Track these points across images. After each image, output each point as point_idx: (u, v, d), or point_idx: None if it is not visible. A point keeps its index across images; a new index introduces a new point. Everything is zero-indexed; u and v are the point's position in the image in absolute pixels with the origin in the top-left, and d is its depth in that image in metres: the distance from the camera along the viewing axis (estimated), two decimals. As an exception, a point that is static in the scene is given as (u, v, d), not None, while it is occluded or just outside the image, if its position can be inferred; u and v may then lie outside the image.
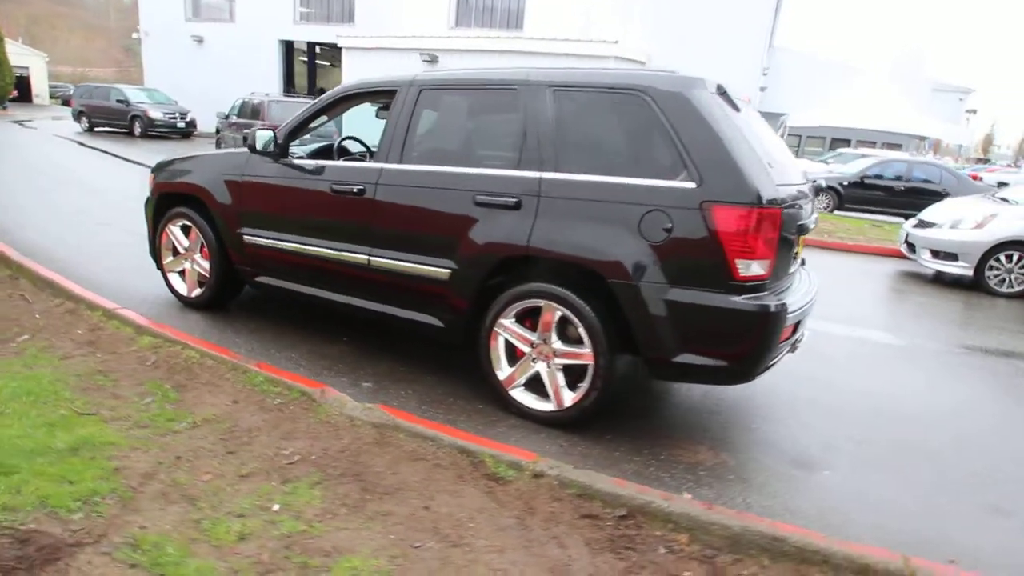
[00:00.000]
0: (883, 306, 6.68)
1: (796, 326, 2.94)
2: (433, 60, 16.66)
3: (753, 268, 2.64)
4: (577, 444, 2.96)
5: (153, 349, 3.47)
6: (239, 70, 21.80)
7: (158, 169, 4.58)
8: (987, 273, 6.88)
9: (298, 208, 3.78)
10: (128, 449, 2.45)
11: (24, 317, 3.92)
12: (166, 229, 4.44)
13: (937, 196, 11.80)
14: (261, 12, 21.93)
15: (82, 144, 15.79)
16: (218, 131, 15.07)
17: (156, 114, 18.36)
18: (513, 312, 3.09)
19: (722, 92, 2.90)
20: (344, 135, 4.39)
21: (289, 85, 23.61)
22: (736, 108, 2.93)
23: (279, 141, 3.80)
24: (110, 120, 19.10)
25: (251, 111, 13.13)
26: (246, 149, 4.10)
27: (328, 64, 28.62)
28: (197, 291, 4.41)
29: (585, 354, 2.94)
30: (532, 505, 2.34)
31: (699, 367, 2.76)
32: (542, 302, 2.99)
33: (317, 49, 25.19)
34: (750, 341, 2.70)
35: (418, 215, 3.31)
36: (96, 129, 19.62)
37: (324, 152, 4.23)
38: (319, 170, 3.71)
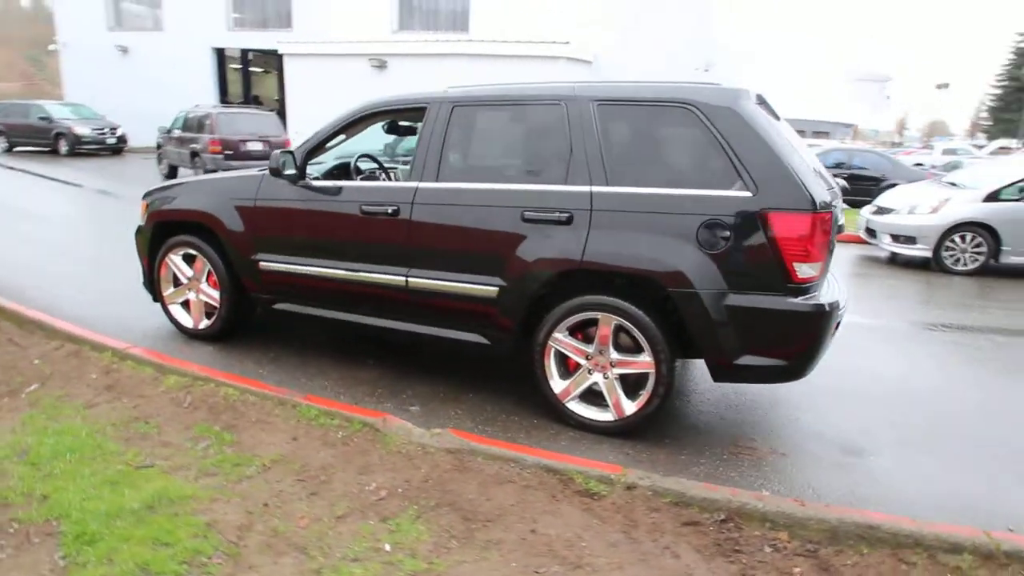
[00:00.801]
0: (854, 290, 7.09)
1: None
2: (382, 66, 16.41)
3: (809, 270, 2.76)
4: (642, 452, 3.02)
5: (184, 389, 3.28)
6: (170, 81, 20.72)
7: (152, 196, 4.33)
8: (943, 253, 7.41)
9: (322, 231, 3.66)
10: (208, 501, 2.32)
11: (22, 364, 3.63)
12: (166, 259, 4.21)
13: (875, 182, 12.60)
14: (191, 20, 20.91)
15: (9, 167, 14.64)
16: (159, 146, 14.29)
17: (83, 130, 17.22)
18: (567, 325, 3.11)
19: (762, 101, 3.01)
20: (359, 153, 4.26)
21: (223, 94, 22.66)
22: (776, 116, 3.06)
23: (297, 163, 3.67)
24: (31, 139, 17.77)
25: (196, 124, 12.51)
26: (256, 172, 3.94)
27: (262, 71, 27.64)
28: (205, 322, 4.20)
29: (645, 362, 2.99)
30: (632, 518, 2.38)
31: (759, 368, 2.87)
32: (599, 314, 3.02)
33: (250, 56, 24.28)
34: (807, 339, 2.82)
35: (461, 234, 3.28)
36: (16, 149, 18.22)
37: (339, 172, 4.11)
38: (345, 191, 3.61)
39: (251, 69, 25.72)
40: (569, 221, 3.02)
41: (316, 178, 3.82)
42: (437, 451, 2.76)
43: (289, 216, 3.74)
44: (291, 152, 3.63)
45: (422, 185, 3.36)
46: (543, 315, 3.17)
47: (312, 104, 17.04)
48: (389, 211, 3.39)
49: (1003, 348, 4.94)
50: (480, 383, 3.76)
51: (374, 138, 4.58)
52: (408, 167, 3.49)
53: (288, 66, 17.53)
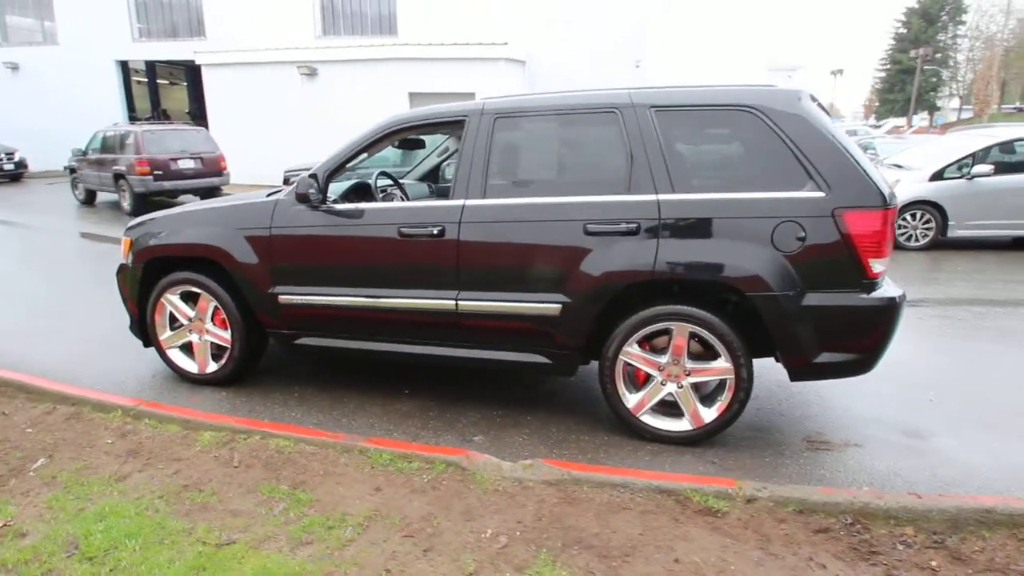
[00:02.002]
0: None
1: None
2: (312, 73, 15.72)
3: (880, 265, 2.82)
4: (727, 459, 2.99)
5: (224, 445, 2.95)
6: (71, 98, 19.03)
7: (136, 231, 3.89)
8: (896, 232, 7.92)
9: (353, 258, 3.40)
10: None
11: (13, 435, 3.14)
12: (161, 300, 3.79)
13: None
14: (90, 32, 19.23)
15: None
16: (72, 170, 13.03)
17: (-26, 157, 15.48)
18: (637, 338, 3.03)
19: (814, 99, 3.04)
20: (378, 172, 3.99)
21: (131, 110, 21.04)
22: (828, 113, 3.10)
23: (320, 185, 3.38)
24: (-89, 169, 15.80)
25: (118, 144, 11.48)
26: (266, 199, 3.62)
27: (167, 83, 25.91)
28: (213, 366, 3.82)
29: (721, 368, 2.96)
30: (763, 532, 2.33)
31: (836, 364, 2.90)
32: (673, 324, 2.96)
33: (156, 68, 22.69)
34: (880, 333, 2.88)
35: (516, 252, 3.13)
36: None
37: (358, 193, 3.84)
38: (377, 213, 3.36)
39: (159, 82, 24.08)
40: (637, 231, 2.93)
41: (335, 201, 3.54)
42: (536, 484, 2.60)
43: (313, 244, 3.44)
44: (316, 175, 3.34)
45: (469, 203, 3.17)
46: (608, 330, 3.07)
47: (236, 116, 16.12)
48: (434, 232, 3.19)
49: (985, 318, 5.30)
50: (530, 403, 3.62)
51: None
52: (451, 183, 3.28)
53: (208, 77, 16.46)
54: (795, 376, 3.00)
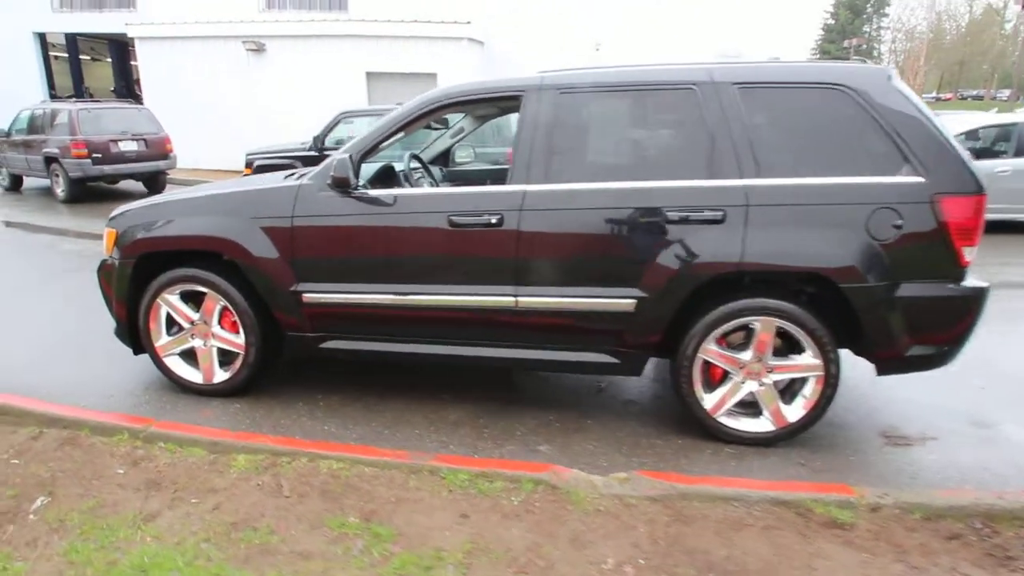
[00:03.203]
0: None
1: None
2: (259, 49, 14.70)
3: (972, 254, 2.71)
4: (811, 459, 2.83)
5: (266, 471, 2.54)
6: (-20, 72, 17.14)
7: (123, 221, 3.36)
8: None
9: (393, 250, 3.03)
10: (442, 630, 1.76)
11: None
12: (157, 300, 3.29)
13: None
14: (4, 1, 17.35)
15: None
16: (-9, 153, 11.69)
17: None
18: (718, 334, 2.83)
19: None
20: (408, 154, 3.58)
21: (51, 87, 19.21)
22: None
23: (354, 169, 2.98)
24: None
25: (48, 124, 10.32)
26: (287, 183, 3.18)
27: (89, 59, 23.84)
28: (222, 374, 3.36)
29: (808, 364, 2.79)
30: (896, 543, 2.17)
31: (923, 357, 2.79)
32: (758, 318, 2.77)
33: (78, 42, 20.76)
34: (967, 324, 2.77)
35: (585, 242, 2.85)
36: None
37: (382, 178, 3.44)
38: (422, 200, 3.00)
39: (81, 57, 22.08)
40: (723, 219, 2.71)
41: (364, 186, 3.14)
42: (639, 501, 2.36)
43: (346, 234, 3.05)
44: (351, 156, 2.93)
45: (531, 188, 2.86)
46: (684, 326, 2.85)
47: (175, 95, 14.89)
48: (493, 221, 2.86)
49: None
50: (582, 405, 3.37)
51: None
52: (509, 166, 2.94)
53: (142, 51, 15.14)
54: (883, 370, 2.87)
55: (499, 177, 3.52)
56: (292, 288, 3.12)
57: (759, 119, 2.74)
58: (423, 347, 3.14)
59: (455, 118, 4.36)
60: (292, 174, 3.53)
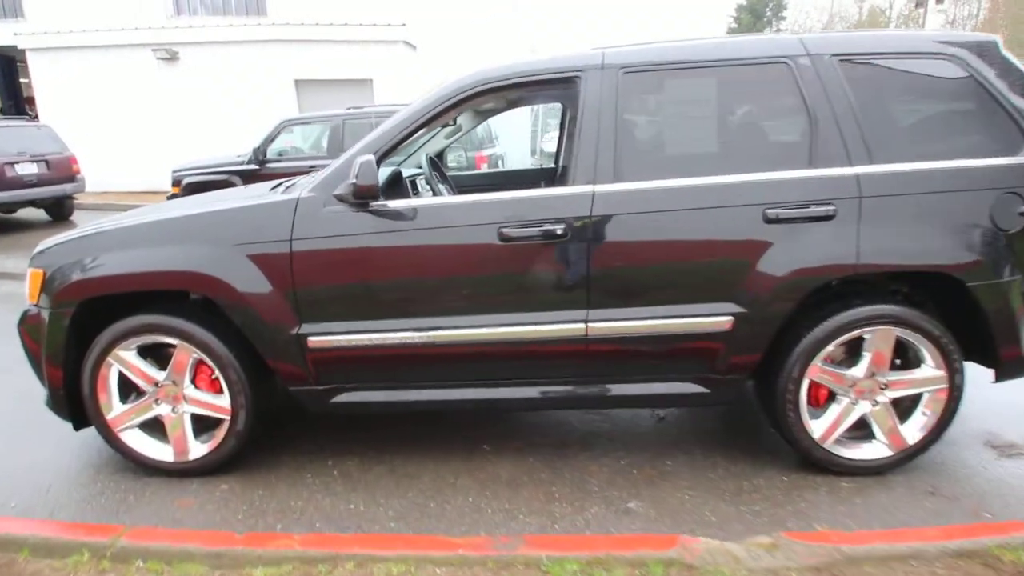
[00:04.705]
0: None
1: None
2: (172, 57, 13.40)
3: (1095, 240, 2.41)
4: (938, 484, 2.45)
5: (299, 587, 1.87)
6: None
7: (53, 259, 2.56)
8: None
9: (427, 273, 2.41)
10: None
11: None
12: (107, 359, 2.52)
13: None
14: None
15: None
16: None
17: None
18: (830, 349, 2.40)
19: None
20: (427, 156, 2.94)
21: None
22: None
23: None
24: None
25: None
26: (280, 197, 2.50)
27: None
28: (201, 447, 2.63)
29: (930, 377, 2.42)
30: (1116, 593, 1.79)
31: (1047, 357, 2.47)
32: (876, 328, 2.36)
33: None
34: (1084, 318, 2.49)
35: (671, 250, 2.35)
36: None
37: (394, 187, 2.80)
38: (462, 211, 2.40)
39: (-47, 72, 19.57)
40: (833, 215, 2.28)
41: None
42: (800, 572, 1.87)
43: (365, 259, 2.41)
44: (376, 160, 2.29)
45: (600, 189, 2.33)
46: (784, 342, 2.41)
47: (78, 111, 13.31)
48: (558, 232, 2.31)
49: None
50: (653, 442, 2.86)
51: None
52: (568, 165, 2.41)
53: (36, 64, 13.44)
54: (1005, 374, 2.51)
55: (512, 181, 2.98)
56: (294, 331, 2.44)
57: (864, 96, 2.33)
58: (465, 392, 2.54)
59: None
60: (277, 186, 2.84)
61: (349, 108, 7.95)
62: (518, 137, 14.58)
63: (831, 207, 2.28)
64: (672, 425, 3.01)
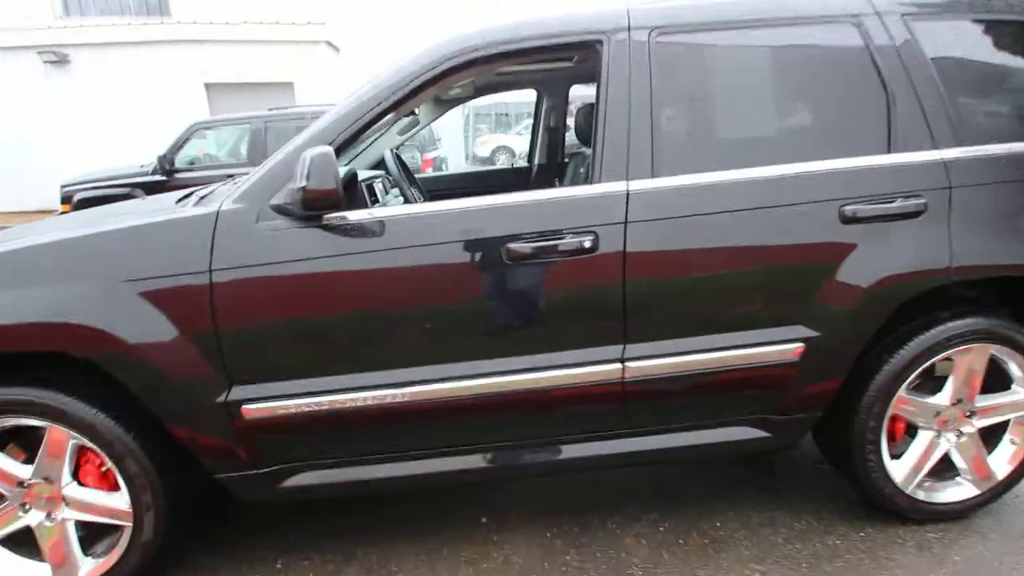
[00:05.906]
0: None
1: None
2: (62, 60, 11.91)
3: None
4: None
5: None
6: None
7: None
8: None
9: (410, 306, 1.78)
10: None
11: None
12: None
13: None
14: None
15: None
16: None
17: None
18: (915, 376, 1.95)
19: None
20: (391, 151, 2.27)
21: None
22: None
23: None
24: None
25: None
26: (194, 211, 1.80)
27: None
28: (91, 565, 1.87)
29: (1021, 401, 2.02)
30: None
31: None
32: (971, 347, 1.93)
33: None
34: None
35: (724, 264, 1.82)
36: None
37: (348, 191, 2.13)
38: (452, 223, 1.78)
39: None
40: (922, 210, 1.83)
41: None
42: None
43: (319, 293, 1.74)
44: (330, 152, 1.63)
45: (637, 187, 1.78)
46: (863, 369, 1.95)
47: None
48: (585, 245, 1.74)
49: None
50: (689, 494, 2.34)
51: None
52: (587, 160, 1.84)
53: None
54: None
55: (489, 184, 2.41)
56: (220, 398, 1.74)
57: (944, 63, 1.90)
58: (465, 460, 1.92)
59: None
60: (186, 196, 2.12)
61: (272, 109, 7.09)
62: (449, 141, 13.95)
63: (921, 200, 1.82)
64: (698, 471, 2.50)
